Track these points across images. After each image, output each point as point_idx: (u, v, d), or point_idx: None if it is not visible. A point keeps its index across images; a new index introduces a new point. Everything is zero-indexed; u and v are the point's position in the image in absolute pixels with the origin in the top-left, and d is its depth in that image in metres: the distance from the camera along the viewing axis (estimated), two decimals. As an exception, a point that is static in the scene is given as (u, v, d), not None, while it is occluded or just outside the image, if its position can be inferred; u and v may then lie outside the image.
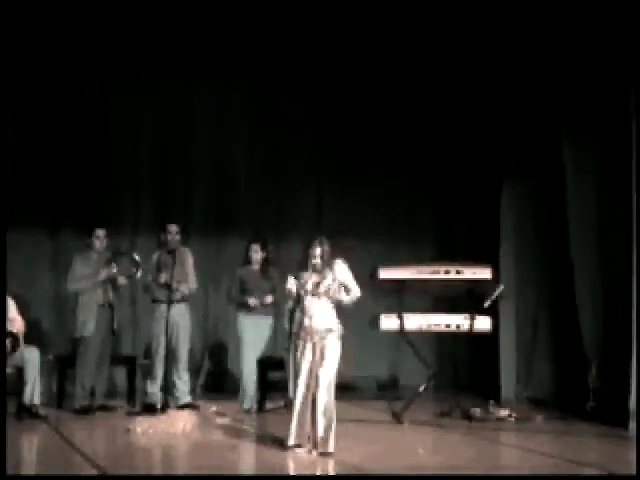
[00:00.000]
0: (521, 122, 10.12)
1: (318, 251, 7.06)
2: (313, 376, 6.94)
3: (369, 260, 9.70)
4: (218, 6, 10.28)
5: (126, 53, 10.40)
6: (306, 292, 7.06)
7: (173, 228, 9.18)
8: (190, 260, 9.30)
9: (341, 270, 7.07)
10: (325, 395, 6.90)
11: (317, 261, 7.05)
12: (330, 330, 7.00)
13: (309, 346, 6.99)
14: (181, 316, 9.10)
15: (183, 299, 9.14)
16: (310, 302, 7.06)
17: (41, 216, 10.26)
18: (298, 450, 6.88)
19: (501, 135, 10.37)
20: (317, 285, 7.03)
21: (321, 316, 7.03)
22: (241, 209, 10.86)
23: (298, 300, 7.17)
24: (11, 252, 9.38)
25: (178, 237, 9.18)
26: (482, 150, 10.85)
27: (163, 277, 8.97)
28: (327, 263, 7.07)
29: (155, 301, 9.11)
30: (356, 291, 7.11)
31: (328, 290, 7.03)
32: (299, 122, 10.98)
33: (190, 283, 9.23)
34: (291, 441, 6.91)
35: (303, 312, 7.08)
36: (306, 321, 7.04)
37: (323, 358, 6.95)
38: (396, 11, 10.39)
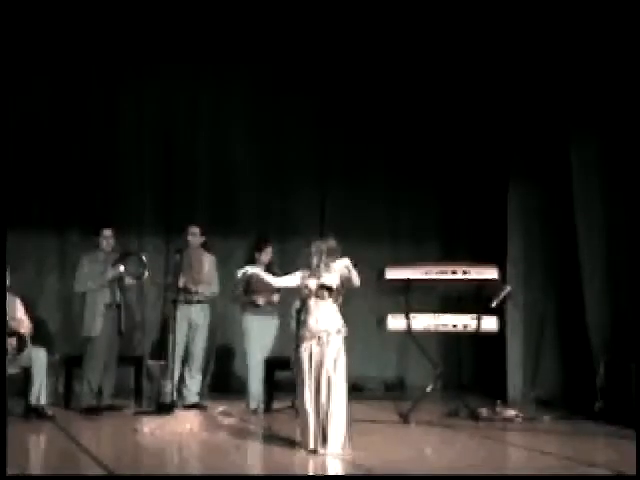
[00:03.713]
0: (527, 122, 10.09)
1: (316, 249, 7.06)
2: (318, 377, 6.92)
3: (373, 260, 9.67)
4: (221, 8, 10.28)
5: (129, 54, 10.43)
6: (310, 293, 7.05)
7: (194, 229, 9.19)
8: (212, 262, 9.30)
9: (343, 262, 7.03)
10: (338, 396, 6.89)
11: (316, 259, 7.04)
12: (335, 331, 7.00)
13: (313, 347, 6.98)
14: (200, 317, 9.16)
15: (203, 300, 9.16)
16: (314, 303, 7.05)
17: (47, 217, 10.29)
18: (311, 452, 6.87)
19: (507, 135, 10.35)
20: (321, 287, 7.03)
21: (325, 317, 7.02)
22: (245, 210, 10.85)
23: (304, 301, 7.18)
24: (18, 253, 9.42)
25: (198, 239, 9.19)
26: (488, 150, 10.84)
27: (182, 281, 8.97)
28: (329, 261, 7.04)
29: (175, 302, 9.10)
30: (356, 281, 7.08)
31: (338, 290, 7.01)
32: (303, 122, 10.97)
33: (212, 286, 9.23)
34: (312, 445, 6.87)
35: (307, 313, 7.07)
36: (310, 322, 7.04)
37: (328, 359, 6.93)
38: (402, 13, 10.38)
